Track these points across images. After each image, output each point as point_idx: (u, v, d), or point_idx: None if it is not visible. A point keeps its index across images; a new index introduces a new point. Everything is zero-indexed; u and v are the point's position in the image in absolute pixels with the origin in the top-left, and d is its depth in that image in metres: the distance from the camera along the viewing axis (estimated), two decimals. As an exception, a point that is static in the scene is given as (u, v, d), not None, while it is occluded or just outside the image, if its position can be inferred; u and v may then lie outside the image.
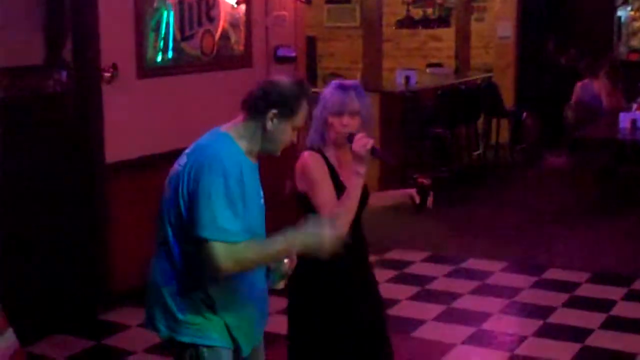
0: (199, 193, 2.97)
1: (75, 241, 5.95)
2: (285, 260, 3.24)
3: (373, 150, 3.59)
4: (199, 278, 3.08)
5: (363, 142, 3.58)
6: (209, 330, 3.12)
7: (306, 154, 3.74)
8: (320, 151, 3.74)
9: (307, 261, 3.35)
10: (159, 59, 6.44)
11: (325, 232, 3.03)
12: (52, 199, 5.76)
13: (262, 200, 3.28)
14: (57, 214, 5.82)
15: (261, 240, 3.07)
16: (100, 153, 6.02)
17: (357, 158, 3.60)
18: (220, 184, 2.96)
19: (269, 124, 3.11)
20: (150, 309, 3.24)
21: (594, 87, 10.39)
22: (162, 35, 6.44)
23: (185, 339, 3.13)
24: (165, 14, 6.43)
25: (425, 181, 3.93)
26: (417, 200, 3.93)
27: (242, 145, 3.12)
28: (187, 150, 3.16)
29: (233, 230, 2.96)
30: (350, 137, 3.63)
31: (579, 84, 10.60)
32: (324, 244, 3.03)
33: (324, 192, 3.66)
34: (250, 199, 3.10)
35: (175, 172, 3.12)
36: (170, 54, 6.53)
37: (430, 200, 3.93)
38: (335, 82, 3.86)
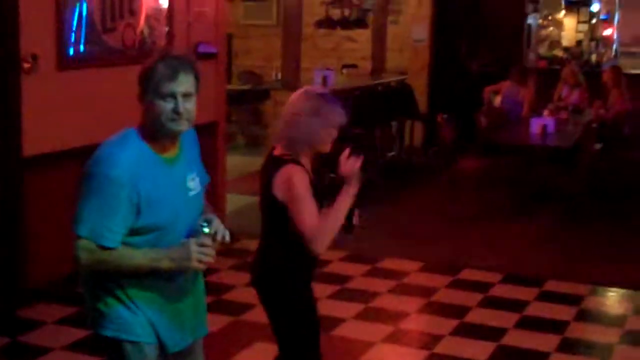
0: (82, 189, 2.96)
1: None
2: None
3: (364, 170, 3.64)
4: (115, 278, 3.04)
5: (353, 161, 3.60)
6: (132, 325, 3.07)
7: (291, 168, 3.66)
8: (298, 162, 3.70)
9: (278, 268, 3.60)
10: (80, 50, 6.32)
11: (191, 246, 2.99)
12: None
13: (191, 192, 3.16)
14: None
15: (132, 250, 2.98)
16: (18, 146, 5.87)
17: (348, 178, 3.61)
18: (100, 186, 2.91)
19: (143, 106, 3.01)
20: (85, 307, 3.19)
21: (519, 93, 10.68)
22: (83, 27, 6.32)
23: (109, 333, 3.09)
24: (86, 5, 6.31)
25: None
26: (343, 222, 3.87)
27: (149, 142, 3.04)
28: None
29: (102, 233, 2.92)
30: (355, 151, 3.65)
31: (501, 85, 10.89)
32: (191, 258, 2.99)
33: (309, 209, 3.62)
34: (156, 196, 2.99)
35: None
36: (91, 46, 6.41)
37: (355, 219, 3.87)
38: (316, 92, 3.79)
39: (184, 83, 3.00)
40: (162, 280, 3.09)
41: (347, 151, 3.64)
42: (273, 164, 3.73)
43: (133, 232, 2.98)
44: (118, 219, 2.94)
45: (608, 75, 10.95)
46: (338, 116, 3.72)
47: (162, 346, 3.16)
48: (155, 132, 3.03)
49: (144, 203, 2.96)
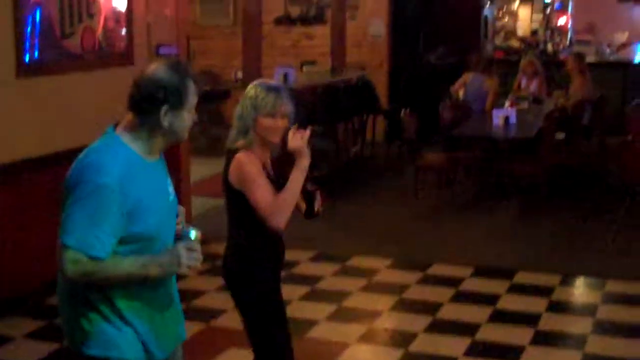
0: (70, 199, 2.87)
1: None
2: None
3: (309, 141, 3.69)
4: (101, 290, 2.96)
5: (300, 134, 3.68)
6: (118, 342, 2.99)
7: (240, 154, 3.78)
8: (249, 150, 3.79)
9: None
10: (39, 57, 6.19)
11: (180, 251, 2.95)
12: None
13: (172, 197, 3.16)
14: None
15: (120, 259, 2.91)
16: (-22, 156, 5.75)
17: (298, 152, 3.69)
18: (90, 195, 2.84)
19: (165, 121, 2.97)
20: (62, 322, 3.10)
21: (483, 84, 10.70)
22: (42, 33, 6.19)
23: (94, 352, 2.99)
24: (44, 10, 6.19)
25: (310, 187, 3.91)
26: (303, 206, 3.94)
27: (137, 147, 2.98)
28: (79, 156, 3.03)
29: (92, 243, 2.84)
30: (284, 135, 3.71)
31: (464, 77, 10.90)
32: (180, 262, 2.94)
33: (262, 188, 3.73)
34: (145, 203, 2.95)
35: (65, 178, 2.99)
36: (50, 52, 6.29)
37: (318, 206, 3.94)
38: (262, 83, 3.89)
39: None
40: (148, 288, 3.03)
41: (294, 127, 3.72)
42: (227, 158, 3.84)
43: (121, 241, 2.91)
44: (108, 228, 2.86)
45: (571, 63, 11.00)
46: (277, 104, 3.77)
47: (149, 357, 3.08)
48: (166, 142, 3.04)
49: (135, 210, 2.90)
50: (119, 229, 2.88)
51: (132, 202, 2.90)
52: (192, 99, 3.03)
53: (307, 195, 3.90)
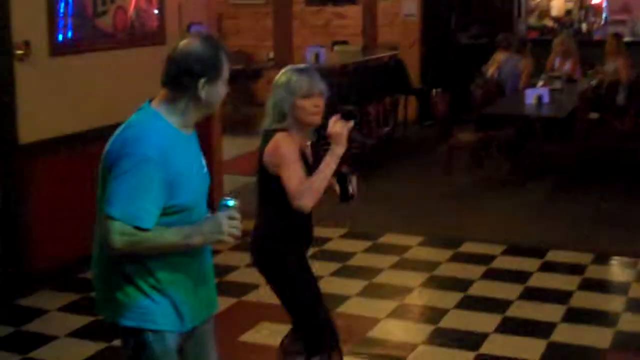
0: (114, 172, 2.92)
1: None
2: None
3: (354, 130, 3.77)
4: (140, 261, 3.00)
5: (342, 123, 3.70)
6: (154, 314, 3.04)
7: (280, 135, 3.81)
8: (286, 131, 3.82)
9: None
10: (72, 36, 6.26)
11: (221, 219, 2.98)
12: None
13: (205, 170, 3.21)
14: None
15: (164, 229, 2.96)
16: (14, 133, 5.82)
17: (336, 139, 3.70)
18: (135, 167, 2.89)
19: (203, 94, 3.02)
20: (96, 294, 3.16)
21: (518, 64, 10.64)
22: (74, 12, 6.25)
23: (130, 323, 3.04)
24: (77, -11, 6.25)
25: (344, 169, 3.92)
26: (337, 189, 3.96)
27: (174, 120, 3.04)
28: (116, 130, 3.08)
29: (138, 214, 2.89)
30: (347, 115, 3.74)
31: (497, 57, 10.84)
32: (222, 231, 2.98)
33: (295, 168, 3.75)
34: (184, 174, 3.01)
35: (104, 152, 3.03)
36: (82, 31, 6.35)
37: (353, 189, 3.95)
38: (291, 68, 3.94)
39: None
40: (185, 259, 3.07)
41: (337, 116, 3.73)
42: (264, 138, 3.86)
43: (164, 212, 2.96)
44: (152, 199, 2.91)
45: (610, 44, 10.89)
46: (312, 84, 3.80)
47: (183, 327, 3.13)
48: (201, 114, 3.10)
49: (175, 182, 2.96)
50: (161, 200, 2.93)
51: (173, 173, 2.95)
52: (226, 70, 3.08)
53: (341, 177, 3.92)
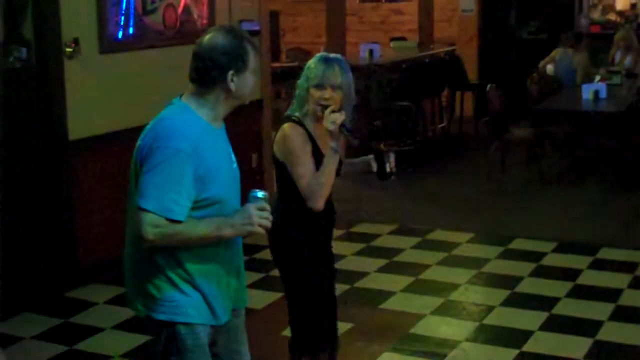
0: (147, 165, 2.94)
1: (40, 219, 5.88)
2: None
3: (342, 127, 3.63)
4: (171, 254, 3.03)
5: (333, 118, 3.62)
6: (186, 307, 3.06)
7: (287, 125, 3.77)
8: (300, 122, 3.77)
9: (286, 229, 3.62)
10: (121, 33, 6.35)
11: (251, 210, 2.98)
12: (15, 176, 5.66)
13: (235, 165, 3.22)
14: (22, 192, 5.73)
15: (195, 221, 2.98)
16: (64, 130, 5.93)
17: (329, 133, 3.65)
18: (167, 160, 2.92)
19: (232, 85, 3.04)
20: (128, 288, 3.20)
21: (572, 60, 10.50)
22: (124, 10, 6.34)
23: (162, 316, 3.06)
24: (126, -13, 6.34)
25: (382, 146, 3.88)
26: (375, 167, 3.91)
27: (204, 114, 3.06)
28: (148, 125, 3.11)
29: (170, 207, 2.91)
30: (323, 109, 3.65)
31: (554, 53, 10.72)
32: (252, 222, 2.98)
33: (303, 165, 3.71)
34: (215, 167, 3.04)
35: (136, 147, 3.07)
36: (132, 29, 6.44)
37: (391, 167, 3.88)
38: (320, 54, 3.87)
39: None
40: (220, 249, 3.10)
41: (330, 108, 3.65)
42: (280, 125, 3.83)
43: (196, 205, 2.99)
44: (185, 191, 2.94)
45: None
46: (326, 75, 3.71)
47: (215, 320, 3.14)
48: (231, 106, 3.12)
49: (207, 174, 2.98)
50: (192, 192, 2.96)
51: (205, 166, 2.97)
52: (253, 60, 3.09)
53: (378, 155, 3.88)
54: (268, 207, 3.03)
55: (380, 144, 3.83)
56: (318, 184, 3.68)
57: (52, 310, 5.76)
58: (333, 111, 3.65)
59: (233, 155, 3.25)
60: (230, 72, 3.03)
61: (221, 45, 3.04)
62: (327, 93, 3.71)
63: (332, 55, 3.87)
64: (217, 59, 3.02)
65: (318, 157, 3.74)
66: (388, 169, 3.88)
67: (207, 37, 3.08)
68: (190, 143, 2.95)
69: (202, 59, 3.05)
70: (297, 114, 3.80)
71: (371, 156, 3.94)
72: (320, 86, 3.72)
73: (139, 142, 3.06)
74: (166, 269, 3.04)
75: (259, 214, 3.00)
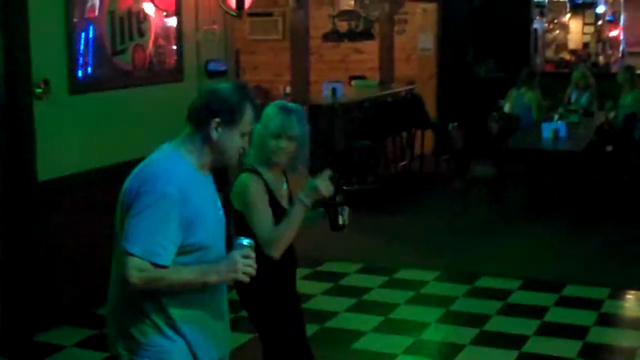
0: (133, 209, 2.95)
1: (8, 262, 5.80)
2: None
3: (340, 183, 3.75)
4: (156, 298, 3.03)
5: (326, 186, 3.70)
6: (170, 353, 3.05)
7: (245, 175, 3.80)
8: (255, 171, 3.80)
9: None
10: (91, 74, 6.34)
11: (236, 258, 3.01)
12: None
13: (221, 212, 3.24)
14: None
15: (180, 267, 2.99)
16: (32, 170, 5.89)
17: (314, 193, 3.68)
18: (154, 204, 2.92)
19: (214, 134, 3.05)
20: (110, 330, 3.17)
21: (524, 98, 10.68)
22: (94, 50, 6.34)
23: None
24: (96, 28, 6.34)
25: (337, 198, 3.87)
26: (328, 218, 3.88)
27: (192, 160, 3.08)
28: (135, 168, 3.12)
29: (156, 251, 2.92)
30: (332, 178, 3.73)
31: (510, 93, 10.89)
32: (237, 269, 3.00)
33: (262, 214, 3.74)
34: (201, 213, 3.04)
35: (122, 190, 3.08)
36: (102, 69, 6.44)
37: (344, 218, 3.86)
38: (278, 102, 3.92)
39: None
40: (206, 295, 3.10)
41: (327, 176, 3.71)
42: (237, 173, 3.85)
43: (181, 251, 2.99)
44: (171, 236, 2.95)
45: (622, 76, 10.87)
46: (284, 126, 3.76)
47: None
48: (213, 159, 3.11)
49: (193, 220, 2.99)
50: (178, 237, 2.96)
51: (191, 212, 2.98)
52: (247, 123, 3.11)
53: (331, 208, 3.85)
54: (253, 254, 3.05)
55: (335, 197, 3.83)
56: (279, 233, 3.71)
57: (21, 354, 5.69)
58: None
59: (219, 202, 3.26)
60: (216, 120, 3.04)
61: (220, 93, 3.10)
62: (283, 143, 3.77)
63: (291, 104, 3.93)
64: (211, 102, 3.07)
65: (274, 206, 3.78)
66: (341, 222, 3.86)
67: (219, 84, 3.17)
68: (177, 188, 2.96)
69: (200, 98, 3.12)
70: (250, 162, 3.81)
71: (325, 208, 3.88)
72: (277, 136, 3.76)
73: (125, 185, 3.06)
74: (151, 314, 3.03)
75: (244, 261, 3.02)
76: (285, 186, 3.99)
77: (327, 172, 3.74)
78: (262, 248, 3.67)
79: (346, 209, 3.86)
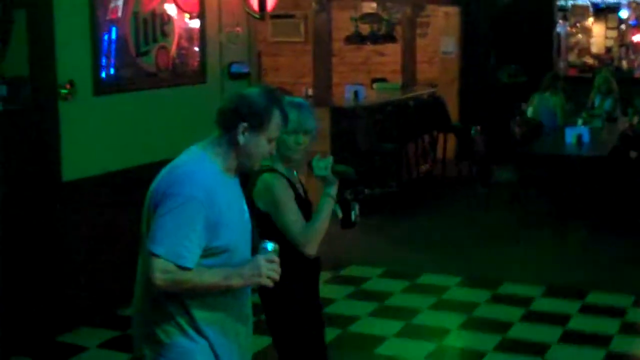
0: (159, 210, 2.95)
1: (33, 262, 5.82)
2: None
3: (336, 173, 3.70)
4: (179, 300, 3.03)
5: (324, 164, 3.70)
6: (193, 353, 3.05)
7: (267, 175, 3.77)
8: (274, 169, 3.78)
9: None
10: (115, 75, 6.36)
11: (260, 262, 3.02)
12: (8, 218, 5.61)
13: (247, 215, 3.24)
14: (14, 234, 5.67)
15: (205, 269, 2.99)
16: (57, 171, 5.90)
17: (324, 180, 3.71)
18: (180, 206, 2.93)
19: (241, 138, 3.06)
20: (135, 331, 3.18)
21: (549, 102, 10.61)
22: (118, 52, 6.36)
23: None
24: (120, 30, 6.35)
25: (347, 195, 3.90)
26: (340, 216, 3.92)
27: (219, 162, 3.09)
28: (163, 170, 3.12)
29: (181, 253, 2.92)
30: (309, 164, 3.72)
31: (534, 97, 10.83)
32: (261, 274, 3.01)
33: (292, 213, 3.73)
34: (227, 216, 3.04)
35: (149, 191, 3.08)
36: (126, 70, 6.45)
37: (356, 215, 3.90)
38: (287, 98, 3.84)
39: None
40: (229, 298, 3.10)
41: (318, 155, 3.71)
42: (253, 175, 3.80)
43: (206, 253, 2.99)
44: (196, 238, 2.95)
45: None
46: (300, 121, 3.75)
47: None
48: (239, 163, 3.12)
49: (218, 222, 2.99)
50: (203, 240, 2.97)
51: (217, 214, 2.98)
52: (274, 128, 3.12)
53: (344, 205, 3.89)
54: (277, 259, 3.06)
55: (345, 194, 3.84)
56: (314, 229, 3.70)
57: (44, 355, 5.70)
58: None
59: (246, 206, 3.26)
60: (244, 124, 3.05)
61: (249, 97, 3.11)
62: (301, 138, 3.77)
63: (297, 99, 3.92)
64: (238, 106, 3.08)
65: (300, 202, 3.78)
66: (353, 218, 3.90)
67: (249, 88, 3.18)
68: (204, 191, 2.97)
69: (229, 102, 3.12)
70: (267, 162, 3.75)
71: (336, 204, 3.89)
72: (295, 132, 3.74)
73: (152, 187, 3.07)
74: (175, 315, 3.04)
75: (268, 266, 3.03)
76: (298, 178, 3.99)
77: (330, 159, 3.75)
78: (298, 247, 3.69)
79: (357, 205, 3.90)
